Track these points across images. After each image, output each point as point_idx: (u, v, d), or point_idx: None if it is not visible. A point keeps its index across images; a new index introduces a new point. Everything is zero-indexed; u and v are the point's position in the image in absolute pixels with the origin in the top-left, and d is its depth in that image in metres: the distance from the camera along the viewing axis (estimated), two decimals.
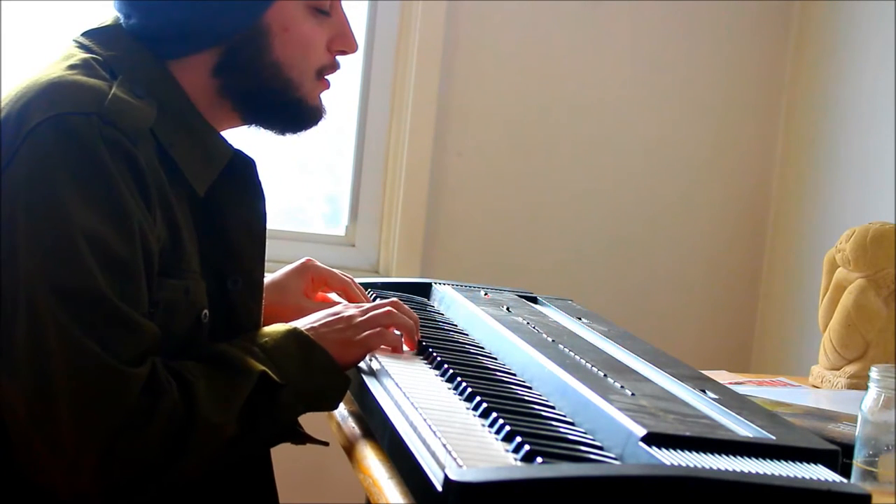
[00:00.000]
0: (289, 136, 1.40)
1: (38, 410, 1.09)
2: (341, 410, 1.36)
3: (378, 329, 1.33)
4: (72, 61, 1.24)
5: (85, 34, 1.30)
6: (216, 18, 1.29)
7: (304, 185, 2.83)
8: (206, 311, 1.28)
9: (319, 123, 1.41)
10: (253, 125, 1.39)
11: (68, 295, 1.10)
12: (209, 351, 1.24)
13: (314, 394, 1.26)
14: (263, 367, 1.21)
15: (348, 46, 1.39)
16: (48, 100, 1.17)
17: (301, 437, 1.34)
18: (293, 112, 1.37)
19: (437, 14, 2.63)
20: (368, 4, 2.67)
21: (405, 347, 1.40)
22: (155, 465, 1.12)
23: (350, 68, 2.65)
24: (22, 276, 1.11)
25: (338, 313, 1.34)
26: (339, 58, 1.39)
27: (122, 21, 1.30)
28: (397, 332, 1.38)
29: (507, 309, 1.63)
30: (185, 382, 1.16)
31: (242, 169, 1.33)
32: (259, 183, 1.35)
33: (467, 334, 1.56)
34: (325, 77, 1.39)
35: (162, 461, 1.12)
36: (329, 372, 1.27)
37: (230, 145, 1.33)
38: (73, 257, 1.11)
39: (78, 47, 1.29)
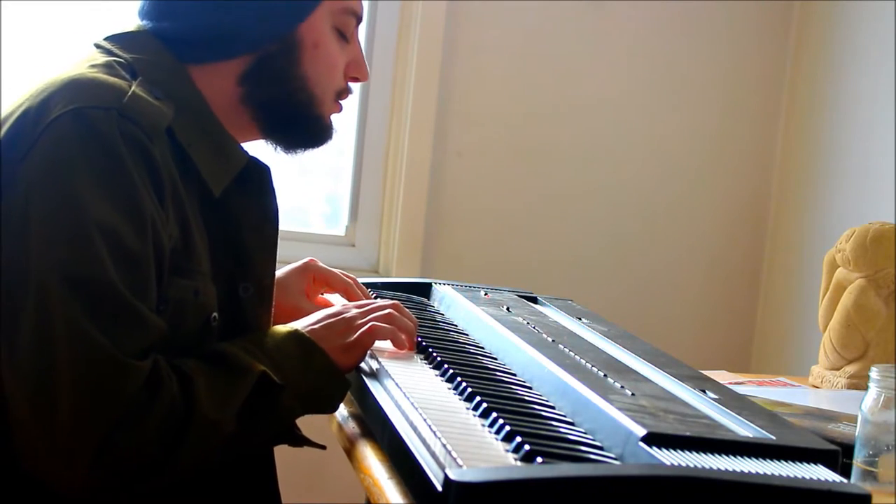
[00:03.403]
0: (297, 153, 1.42)
1: (38, 399, 1.09)
2: (342, 411, 1.36)
3: (369, 325, 1.33)
4: (93, 62, 1.26)
5: (107, 39, 1.32)
6: (253, 26, 1.31)
7: (304, 185, 2.83)
8: (215, 314, 1.28)
9: (328, 143, 1.43)
10: (268, 138, 1.40)
11: (78, 284, 1.11)
12: (210, 350, 1.24)
13: (314, 396, 1.26)
14: (264, 367, 1.21)
15: (362, 75, 1.42)
16: (68, 94, 1.18)
17: (298, 440, 1.34)
18: (311, 128, 1.39)
19: (437, 14, 2.63)
20: (368, 4, 2.67)
21: (405, 348, 1.40)
22: (152, 459, 1.12)
23: None
24: (33, 263, 1.12)
25: (338, 314, 1.34)
26: (350, 84, 1.42)
27: (148, 25, 1.32)
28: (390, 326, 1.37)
29: (507, 309, 1.63)
30: (184, 378, 1.16)
31: (257, 175, 1.34)
32: (273, 190, 1.36)
33: (467, 334, 1.56)
34: (339, 101, 1.41)
35: (159, 455, 1.12)
36: (329, 374, 1.27)
37: (245, 152, 1.34)
38: (85, 247, 1.12)
39: (100, 51, 1.30)
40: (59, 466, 1.10)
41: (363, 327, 1.32)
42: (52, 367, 1.09)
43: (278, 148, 1.41)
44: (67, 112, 1.16)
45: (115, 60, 1.27)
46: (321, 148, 1.43)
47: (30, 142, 1.16)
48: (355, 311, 1.36)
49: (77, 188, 1.13)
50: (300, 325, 1.31)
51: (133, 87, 1.21)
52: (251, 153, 1.35)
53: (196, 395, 1.15)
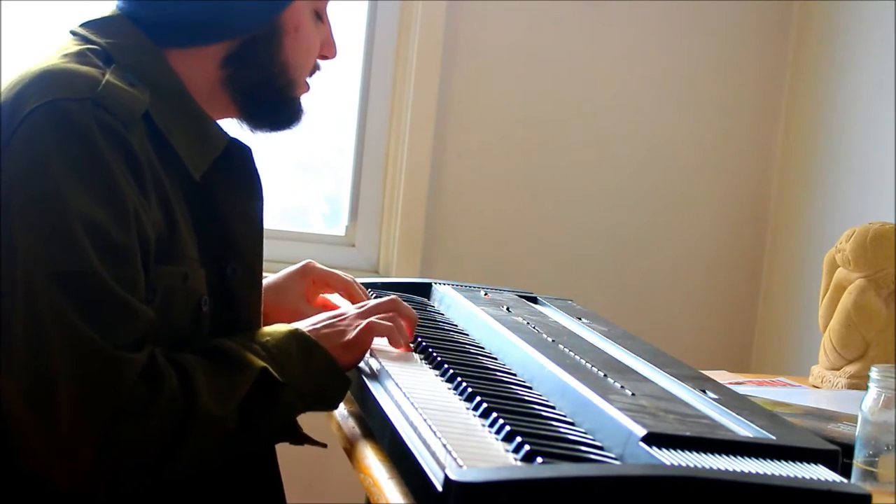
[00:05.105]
0: (265, 133, 1.41)
1: (35, 396, 1.09)
2: (341, 411, 1.36)
3: (367, 322, 1.32)
4: (65, 51, 1.25)
5: (83, 25, 1.31)
6: (240, 12, 1.30)
7: (304, 185, 2.83)
8: (205, 297, 1.28)
9: (298, 125, 1.43)
10: (241, 118, 1.39)
11: (65, 279, 1.10)
12: (209, 345, 1.24)
13: (315, 394, 1.26)
14: (264, 364, 1.21)
15: (331, 53, 1.43)
16: (41, 87, 1.17)
17: (300, 438, 1.34)
18: (286, 110, 1.39)
19: (437, 14, 2.63)
20: (368, 4, 2.67)
21: (404, 348, 1.40)
22: (153, 454, 1.12)
23: (350, 68, 2.66)
24: (19, 261, 1.12)
25: (340, 315, 1.35)
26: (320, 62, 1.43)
27: (125, 9, 1.31)
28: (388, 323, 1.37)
29: (507, 309, 1.63)
30: (184, 372, 1.16)
31: (238, 156, 1.34)
32: (255, 170, 1.35)
33: (467, 334, 1.56)
34: (309, 80, 1.42)
35: (160, 450, 1.12)
36: (330, 373, 1.27)
37: (226, 133, 1.34)
38: (70, 242, 1.11)
39: (75, 38, 1.29)
40: (62, 462, 1.10)
41: (362, 324, 1.32)
42: (46, 365, 1.09)
43: (245, 126, 1.40)
44: (41, 105, 1.15)
45: (87, 48, 1.26)
46: (291, 130, 1.42)
47: (5, 138, 1.16)
48: (355, 310, 1.36)
49: (57, 183, 1.13)
50: (301, 325, 1.31)
51: (106, 76, 1.20)
52: (232, 134, 1.35)
53: (196, 390, 1.15)
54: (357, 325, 1.32)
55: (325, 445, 1.37)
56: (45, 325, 1.10)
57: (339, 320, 1.33)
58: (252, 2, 1.30)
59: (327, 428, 1.40)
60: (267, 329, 1.30)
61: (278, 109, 1.38)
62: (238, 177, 1.33)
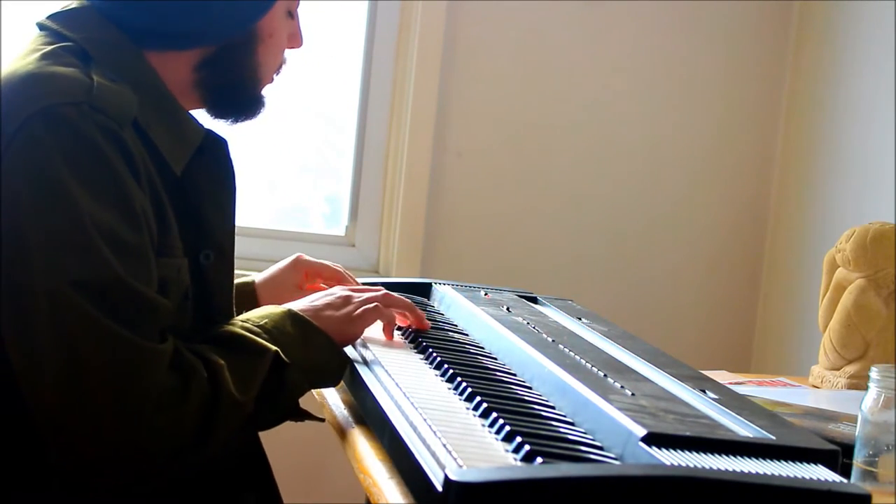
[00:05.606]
0: (226, 123, 1.42)
1: (71, 399, 1.10)
2: (341, 410, 1.36)
3: (374, 304, 1.38)
4: (39, 53, 1.22)
5: (51, 17, 1.29)
6: (216, 22, 1.30)
7: (304, 185, 2.83)
8: (189, 287, 1.29)
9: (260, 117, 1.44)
10: (206, 109, 1.40)
11: (88, 284, 1.11)
12: (218, 333, 1.26)
13: (317, 371, 1.30)
14: (276, 348, 1.24)
15: (297, 44, 1.43)
16: (30, 94, 1.16)
17: (300, 415, 1.36)
18: (252, 106, 1.41)
19: (437, 14, 2.63)
20: (368, 4, 2.67)
21: (408, 343, 1.41)
22: (186, 443, 1.15)
23: (350, 68, 2.65)
24: (36, 270, 1.11)
25: (333, 293, 1.39)
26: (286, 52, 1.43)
27: (103, 8, 1.28)
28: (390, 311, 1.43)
29: (507, 309, 1.63)
30: (208, 362, 1.18)
31: (214, 148, 1.34)
32: (230, 161, 1.36)
33: (467, 334, 1.56)
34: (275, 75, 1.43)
35: (192, 438, 1.15)
36: (328, 350, 1.31)
37: (201, 125, 1.34)
38: (87, 247, 1.12)
39: (44, 33, 1.27)
40: (105, 459, 1.11)
41: (367, 304, 1.37)
42: (78, 367, 1.10)
43: (207, 115, 1.41)
44: (38, 112, 1.14)
45: (60, 47, 1.23)
46: (252, 121, 1.43)
47: (1, 146, 1.13)
48: (349, 291, 1.41)
49: (65, 188, 1.12)
50: (295, 305, 1.35)
51: (95, 78, 1.19)
52: (207, 126, 1.35)
53: (222, 378, 1.18)
54: (359, 304, 1.37)
55: (322, 420, 1.39)
56: (72, 330, 1.10)
57: (335, 298, 1.38)
58: (231, 10, 1.30)
59: (328, 427, 1.40)
60: (262, 311, 1.32)
61: (245, 106, 1.40)
62: (213, 168, 1.34)
